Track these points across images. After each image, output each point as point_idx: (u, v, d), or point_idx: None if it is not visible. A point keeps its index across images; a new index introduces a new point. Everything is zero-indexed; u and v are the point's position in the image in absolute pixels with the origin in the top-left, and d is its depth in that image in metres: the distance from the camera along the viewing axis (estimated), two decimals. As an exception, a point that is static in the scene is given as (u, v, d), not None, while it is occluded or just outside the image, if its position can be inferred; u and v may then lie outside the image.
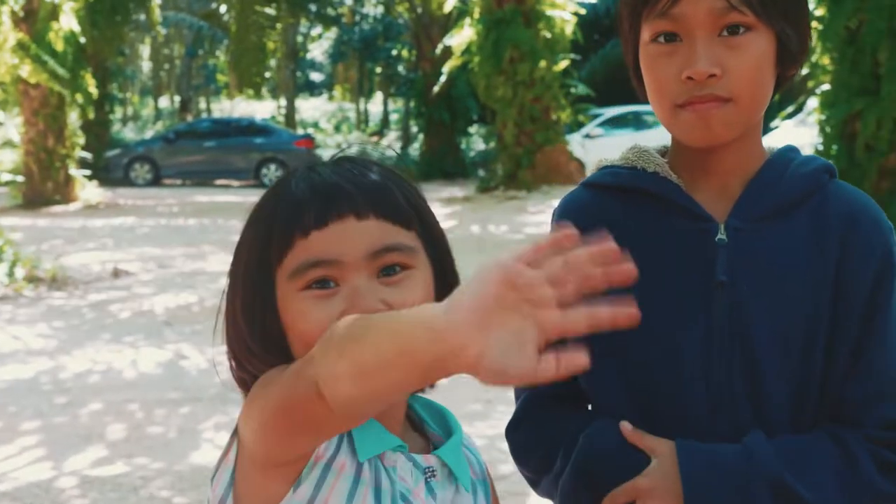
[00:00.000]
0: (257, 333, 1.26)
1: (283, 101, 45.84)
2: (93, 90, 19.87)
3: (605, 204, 1.55)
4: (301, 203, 1.24)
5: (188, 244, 14.27)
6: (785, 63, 1.46)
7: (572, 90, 21.31)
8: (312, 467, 1.19)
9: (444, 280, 1.30)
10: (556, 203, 1.64)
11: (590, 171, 1.65)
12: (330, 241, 1.22)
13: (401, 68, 39.63)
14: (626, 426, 1.49)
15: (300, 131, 36.64)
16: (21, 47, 15.18)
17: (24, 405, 6.41)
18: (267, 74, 23.98)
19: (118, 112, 44.51)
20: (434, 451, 1.31)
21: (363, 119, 48.59)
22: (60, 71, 16.37)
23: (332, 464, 1.20)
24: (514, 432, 1.64)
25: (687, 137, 1.45)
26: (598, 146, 23.42)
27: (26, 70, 15.56)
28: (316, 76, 55.79)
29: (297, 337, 1.23)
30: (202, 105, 50.66)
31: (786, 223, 1.47)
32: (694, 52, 1.39)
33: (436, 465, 1.29)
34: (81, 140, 20.75)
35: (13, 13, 15.02)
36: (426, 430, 1.36)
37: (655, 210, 1.51)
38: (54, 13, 17.95)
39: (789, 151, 1.54)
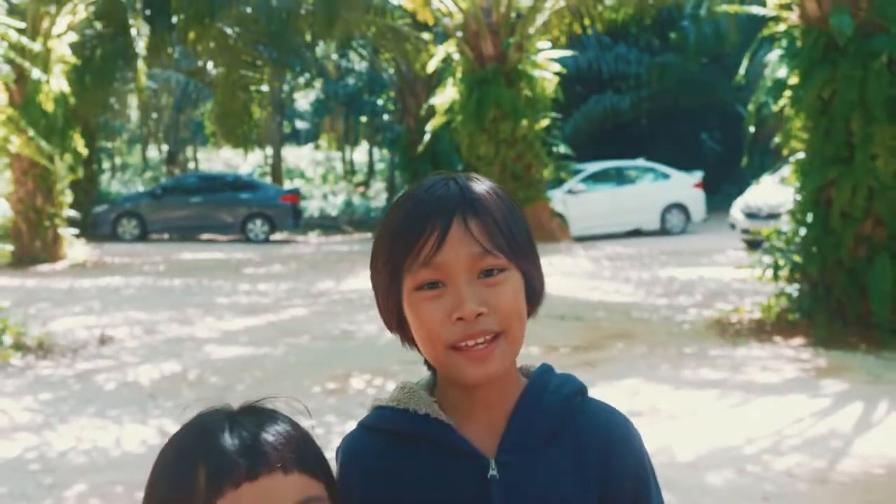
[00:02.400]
0: None
1: (269, 151, 46.04)
2: (82, 150, 20.08)
3: (383, 448, 1.59)
4: (232, 455, 1.31)
5: (173, 307, 14.43)
6: (531, 301, 1.57)
7: (554, 148, 21.59)
8: None
9: None
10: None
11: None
12: (259, 494, 1.28)
13: (386, 117, 39.94)
14: None
15: (287, 180, 36.81)
16: (11, 121, 15.45)
17: (11, 487, 6.55)
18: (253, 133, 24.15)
19: (106, 163, 44.69)
20: None
21: (349, 169, 48.89)
22: (47, 147, 16.58)
23: None
24: None
25: (463, 376, 1.51)
26: (581, 201, 23.75)
27: (16, 142, 15.79)
28: (302, 125, 56.07)
29: None
30: (189, 154, 50.83)
31: (550, 452, 1.55)
32: (459, 294, 1.47)
33: None
34: (70, 198, 20.88)
35: (5, 78, 15.24)
36: None
37: (429, 452, 1.55)
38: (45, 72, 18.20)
39: (543, 375, 1.62)
